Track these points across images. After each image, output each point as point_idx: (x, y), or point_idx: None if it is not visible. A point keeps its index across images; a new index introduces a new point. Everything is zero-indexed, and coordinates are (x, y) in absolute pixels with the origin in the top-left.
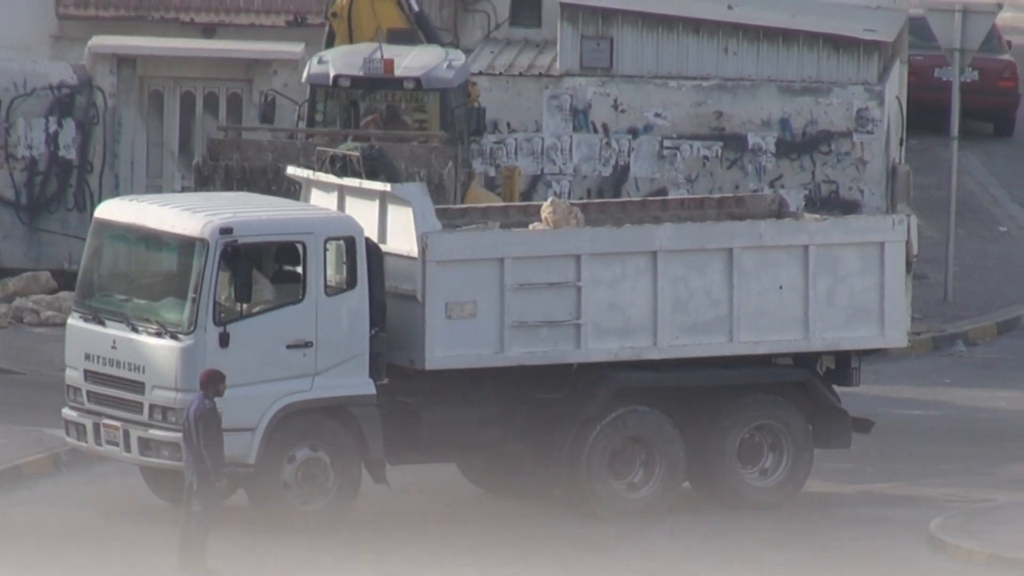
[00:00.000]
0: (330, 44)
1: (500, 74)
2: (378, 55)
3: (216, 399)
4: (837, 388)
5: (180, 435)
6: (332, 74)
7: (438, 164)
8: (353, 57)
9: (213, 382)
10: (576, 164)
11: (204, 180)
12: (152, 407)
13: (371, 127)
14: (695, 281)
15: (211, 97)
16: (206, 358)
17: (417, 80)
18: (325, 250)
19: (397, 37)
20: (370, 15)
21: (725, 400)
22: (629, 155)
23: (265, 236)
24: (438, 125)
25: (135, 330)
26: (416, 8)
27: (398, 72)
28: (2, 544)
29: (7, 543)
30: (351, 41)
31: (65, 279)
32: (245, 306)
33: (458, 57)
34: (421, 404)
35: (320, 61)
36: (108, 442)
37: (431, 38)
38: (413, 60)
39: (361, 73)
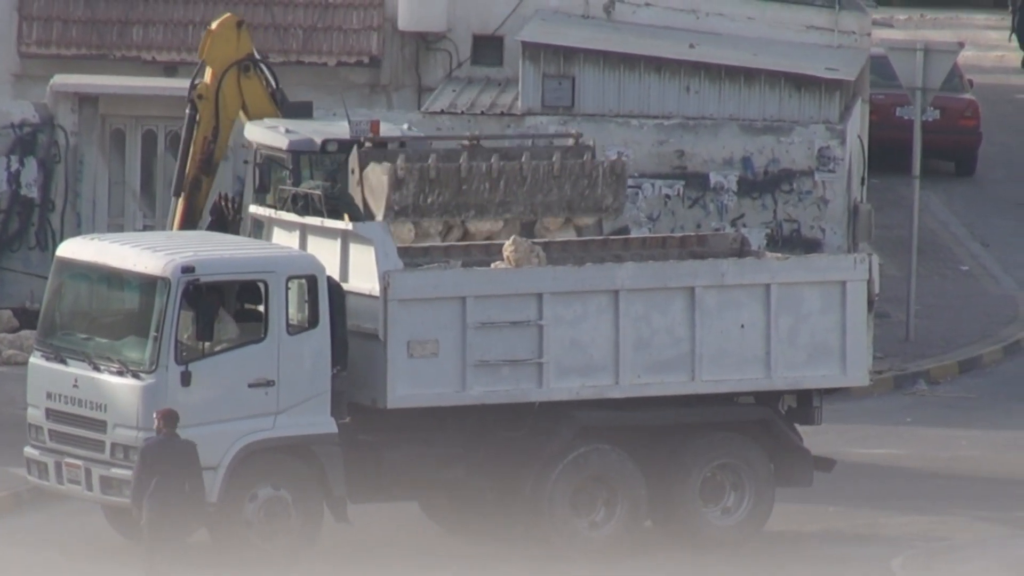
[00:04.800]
0: (191, 127)
1: (462, 113)
2: (361, 118)
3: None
4: (799, 427)
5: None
6: (319, 140)
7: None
8: (305, 125)
9: (172, 420)
10: None
11: (400, 183)
12: (114, 446)
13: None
14: (657, 320)
15: (173, 135)
16: (168, 397)
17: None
18: (287, 289)
19: (292, 110)
20: (235, 94)
21: (687, 439)
22: None
23: (227, 275)
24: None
25: (97, 369)
26: (275, 85)
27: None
28: None
29: None
30: (217, 122)
31: (27, 318)
32: (207, 345)
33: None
34: (383, 443)
35: (288, 131)
36: (70, 481)
37: (290, 113)
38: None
39: (348, 136)
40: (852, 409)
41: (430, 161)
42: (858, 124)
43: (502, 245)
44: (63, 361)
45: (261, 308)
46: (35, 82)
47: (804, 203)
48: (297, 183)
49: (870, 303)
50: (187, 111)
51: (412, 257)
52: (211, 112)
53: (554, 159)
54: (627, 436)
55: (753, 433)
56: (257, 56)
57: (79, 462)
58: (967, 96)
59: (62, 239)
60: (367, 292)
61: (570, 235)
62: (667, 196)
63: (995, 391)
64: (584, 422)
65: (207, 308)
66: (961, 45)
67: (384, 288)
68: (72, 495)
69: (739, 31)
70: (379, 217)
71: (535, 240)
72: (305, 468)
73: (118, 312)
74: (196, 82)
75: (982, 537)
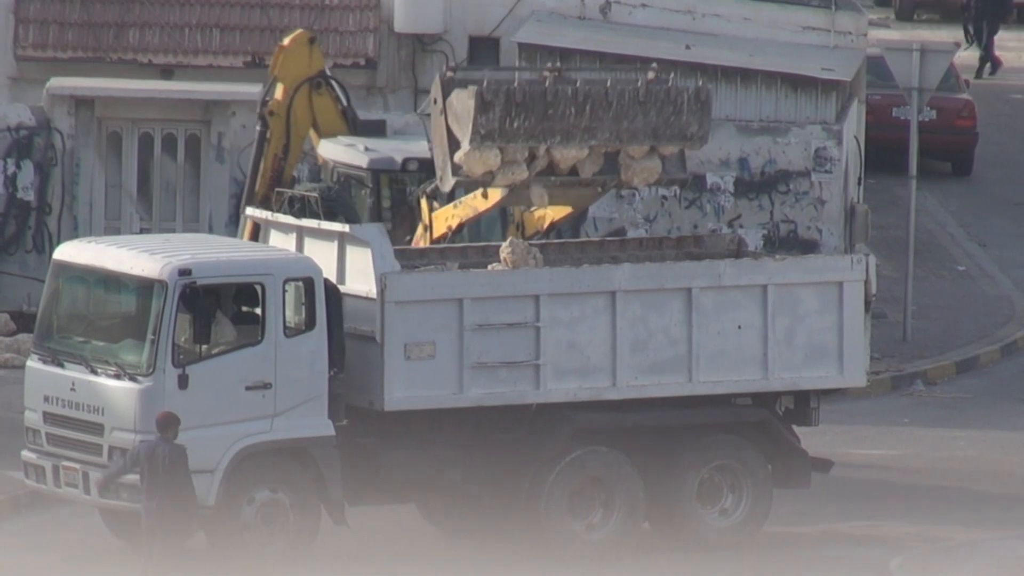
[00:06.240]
0: (261, 144)
1: None
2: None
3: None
4: (796, 428)
5: (139, 477)
6: (399, 159)
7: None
8: (382, 143)
9: (172, 424)
10: None
11: (486, 107)
12: (111, 449)
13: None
14: (654, 321)
15: (169, 138)
16: (165, 400)
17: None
18: (284, 291)
19: (366, 129)
20: (306, 111)
21: (684, 440)
22: None
23: (224, 277)
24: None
25: (94, 372)
26: (345, 102)
27: None
28: None
29: None
30: (288, 139)
31: (24, 321)
32: (204, 348)
33: None
34: (380, 445)
35: (367, 149)
36: (67, 484)
37: (358, 130)
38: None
39: (428, 155)
40: (849, 410)
41: (515, 84)
42: (854, 124)
43: (499, 246)
44: (60, 364)
45: (258, 311)
46: (31, 85)
47: (801, 204)
48: (377, 202)
49: (867, 304)
50: (257, 128)
51: (409, 259)
52: (282, 129)
53: (640, 84)
54: (624, 438)
55: (750, 434)
56: (328, 73)
57: (76, 465)
58: (963, 96)
59: (59, 242)
60: (364, 294)
61: (655, 165)
62: (664, 197)
63: (992, 391)
64: (581, 424)
65: (204, 311)
66: (957, 45)
67: (381, 290)
68: (70, 499)
69: (735, 32)
70: (465, 143)
71: (532, 243)
72: (302, 471)
73: (115, 315)
74: (267, 98)
75: (980, 538)
